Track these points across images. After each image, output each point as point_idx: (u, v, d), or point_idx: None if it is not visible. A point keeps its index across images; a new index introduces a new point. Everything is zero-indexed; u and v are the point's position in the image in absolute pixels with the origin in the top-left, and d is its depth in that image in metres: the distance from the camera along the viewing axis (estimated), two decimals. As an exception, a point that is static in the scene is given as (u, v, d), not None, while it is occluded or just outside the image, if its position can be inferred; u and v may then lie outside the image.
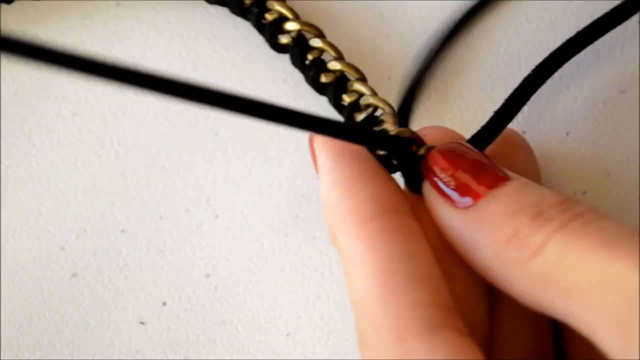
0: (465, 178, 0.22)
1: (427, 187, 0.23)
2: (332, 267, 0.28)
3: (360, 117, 0.27)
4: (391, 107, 0.26)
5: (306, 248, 0.28)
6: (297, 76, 0.28)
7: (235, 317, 0.28)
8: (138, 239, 0.28)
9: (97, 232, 0.28)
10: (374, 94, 0.27)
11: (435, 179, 0.22)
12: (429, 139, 0.24)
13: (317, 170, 0.24)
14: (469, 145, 0.23)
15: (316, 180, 0.28)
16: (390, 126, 0.25)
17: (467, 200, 0.22)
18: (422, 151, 0.23)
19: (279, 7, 0.28)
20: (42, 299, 0.28)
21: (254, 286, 0.28)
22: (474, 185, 0.22)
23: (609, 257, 0.19)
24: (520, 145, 0.26)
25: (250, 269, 0.28)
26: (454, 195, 0.22)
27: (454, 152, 0.23)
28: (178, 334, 0.28)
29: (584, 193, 0.28)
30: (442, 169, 0.22)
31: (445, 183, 0.22)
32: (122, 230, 0.28)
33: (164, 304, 0.28)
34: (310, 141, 0.24)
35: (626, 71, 0.29)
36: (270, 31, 0.28)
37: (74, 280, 0.28)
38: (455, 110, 0.28)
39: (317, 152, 0.24)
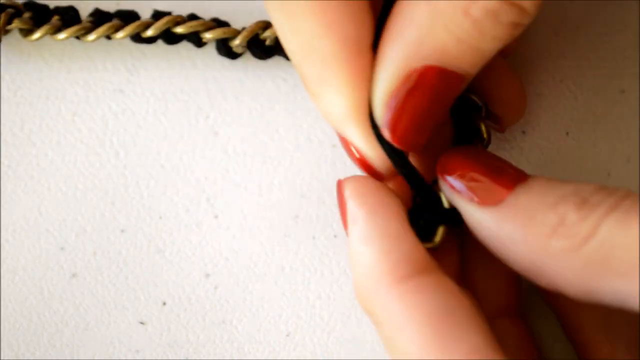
0: (487, 177, 0.22)
1: (455, 199, 0.23)
2: (332, 267, 0.28)
3: None
4: None
5: (306, 248, 0.28)
6: (297, 76, 0.28)
7: (235, 317, 0.28)
8: (138, 239, 0.28)
9: (97, 232, 0.28)
10: None
11: (459, 183, 0.23)
12: None
13: (344, 221, 0.24)
14: (481, 148, 0.24)
15: (316, 180, 0.28)
16: None
17: (495, 196, 0.22)
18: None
19: None
20: (42, 299, 0.28)
21: (254, 286, 0.28)
22: (498, 182, 0.22)
23: None
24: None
25: (250, 269, 0.28)
26: (481, 193, 0.22)
27: (468, 155, 0.23)
28: (178, 334, 0.28)
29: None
30: (463, 171, 0.23)
31: (469, 186, 0.22)
32: (122, 230, 0.28)
33: (164, 304, 0.28)
34: (339, 188, 0.24)
35: (626, 71, 0.29)
36: None
37: (74, 280, 0.28)
38: (455, 110, 0.28)
39: (349, 203, 0.23)
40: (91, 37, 0.27)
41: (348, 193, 0.23)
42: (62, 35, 0.27)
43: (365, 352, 0.28)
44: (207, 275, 0.28)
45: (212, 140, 0.28)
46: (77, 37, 0.27)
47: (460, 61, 0.21)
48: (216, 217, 0.28)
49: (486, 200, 0.22)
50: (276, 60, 0.28)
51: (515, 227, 0.21)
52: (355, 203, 0.23)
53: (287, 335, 0.28)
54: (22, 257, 0.28)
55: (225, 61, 0.28)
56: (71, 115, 0.28)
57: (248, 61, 0.28)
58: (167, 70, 0.28)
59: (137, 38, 0.27)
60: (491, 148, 0.28)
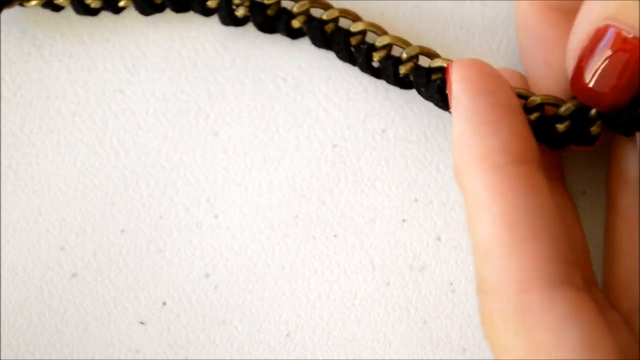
0: None
1: None
2: (332, 267, 0.28)
3: None
4: None
5: (306, 248, 0.28)
6: (297, 76, 0.28)
7: (235, 317, 0.28)
8: (138, 239, 0.28)
9: (97, 232, 0.28)
10: None
11: None
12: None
13: (450, 103, 0.24)
14: None
15: (316, 180, 0.28)
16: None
17: None
18: None
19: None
20: (42, 299, 0.28)
21: (254, 286, 0.28)
22: None
23: None
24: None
25: (250, 269, 0.28)
26: None
27: None
28: (178, 334, 0.28)
29: (584, 193, 0.28)
30: None
31: None
32: (122, 230, 0.28)
33: (164, 304, 0.28)
34: (448, 71, 0.24)
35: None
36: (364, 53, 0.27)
37: (74, 280, 0.28)
38: (455, 110, 0.28)
39: (454, 86, 0.23)
40: (94, 3, 0.27)
41: (454, 76, 0.24)
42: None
43: (365, 352, 0.28)
44: (207, 275, 0.28)
45: (212, 140, 0.28)
46: (86, 8, 0.27)
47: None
48: (216, 217, 0.28)
49: None
50: (277, 60, 0.28)
51: None
52: (459, 87, 0.23)
53: (287, 335, 0.28)
54: (22, 257, 0.28)
55: (226, 62, 0.28)
56: (71, 115, 0.28)
57: (249, 61, 0.28)
58: (168, 71, 0.28)
59: (143, 6, 0.28)
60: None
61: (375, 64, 0.27)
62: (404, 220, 0.28)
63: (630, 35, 0.22)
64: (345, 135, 0.28)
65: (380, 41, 0.27)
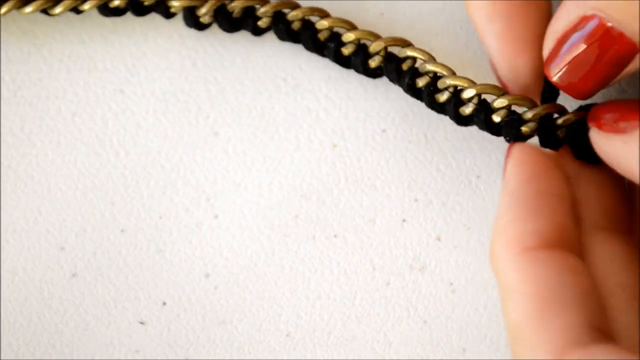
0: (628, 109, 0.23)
1: (598, 137, 0.23)
2: (332, 267, 0.28)
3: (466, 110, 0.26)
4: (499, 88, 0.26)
5: (306, 248, 0.28)
6: (297, 76, 0.28)
7: (235, 317, 0.28)
8: (138, 239, 0.28)
9: (97, 232, 0.28)
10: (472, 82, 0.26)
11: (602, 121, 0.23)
12: None
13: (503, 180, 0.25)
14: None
15: (316, 180, 0.28)
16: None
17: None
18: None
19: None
20: (42, 299, 0.28)
21: (254, 286, 0.28)
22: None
23: None
24: None
25: (250, 269, 0.28)
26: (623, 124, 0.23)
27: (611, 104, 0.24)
28: (178, 334, 0.28)
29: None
30: (608, 115, 0.23)
31: (612, 123, 0.23)
32: (122, 230, 0.28)
33: (164, 304, 0.28)
34: (508, 152, 0.25)
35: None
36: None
37: (74, 280, 0.28)
38: (455, 110, 0.28)
39: (508, 168, 0.24)
40: (58, 9, 0.27)
41: (511, 158, 0.24)
42: (28, 9, 0.27)
43: (365, 352, 0.28)
44: (207, 275, 0.28)
45: (212, 140, 0.28)
46: (45, 12, 0.27)
47: (630, 24, 0.22)
48: (216, 217, 0.28)
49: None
50: (277, 60, 0.28)
51: None
52: (511, 170, 0.24)
53: (287, 335, 0.28)
54: (22, 257, 0.28)
55: (226, 61, 0.28)
56: (71, 115, 0.28)
57: (249, 61, 0.28)
58: (167, 71, 0.28)
59: (105, 10, 0.27)
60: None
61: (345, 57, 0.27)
62: (404, 220, 0.28)
63: (614, 29, 0.22)
64: (345, 135, 0.28)
65: (347, 37, 0.27)
